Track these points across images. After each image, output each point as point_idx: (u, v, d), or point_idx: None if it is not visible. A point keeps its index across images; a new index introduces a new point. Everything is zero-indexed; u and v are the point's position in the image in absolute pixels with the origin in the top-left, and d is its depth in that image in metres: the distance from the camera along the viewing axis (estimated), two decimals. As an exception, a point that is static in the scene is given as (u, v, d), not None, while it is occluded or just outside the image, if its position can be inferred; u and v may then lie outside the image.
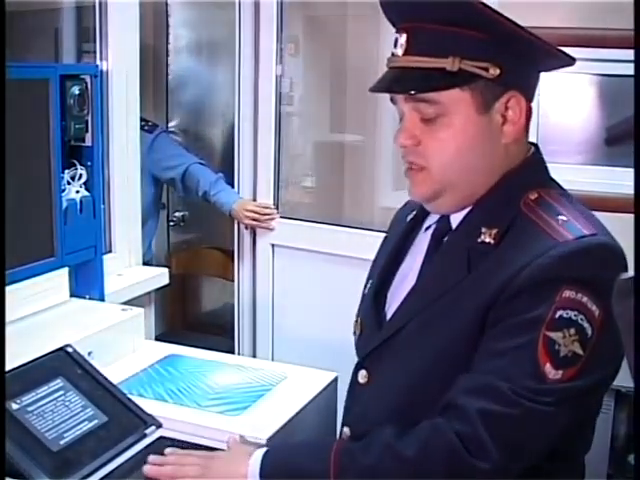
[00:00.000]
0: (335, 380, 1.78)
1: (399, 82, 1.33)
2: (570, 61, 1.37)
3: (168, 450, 1.45)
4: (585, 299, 1.21)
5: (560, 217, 1.29)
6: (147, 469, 1.40)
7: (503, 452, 1.19)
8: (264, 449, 1.36)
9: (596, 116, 2.51)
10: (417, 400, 1.31)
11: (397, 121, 1.40)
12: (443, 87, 1.29)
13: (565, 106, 2.44)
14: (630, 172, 2.18)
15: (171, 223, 4.01)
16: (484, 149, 1.34)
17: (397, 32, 1.34)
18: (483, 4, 1.26)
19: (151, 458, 1.42)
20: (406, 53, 1.32)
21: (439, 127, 1.31)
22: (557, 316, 1.20)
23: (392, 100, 1.38)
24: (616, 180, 2.34)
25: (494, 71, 1.29)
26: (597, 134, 2.51)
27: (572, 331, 1.20)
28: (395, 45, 1.34)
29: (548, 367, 1.19)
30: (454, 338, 1.28)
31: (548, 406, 1.19)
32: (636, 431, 1.16)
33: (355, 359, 1.49)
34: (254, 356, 3.19)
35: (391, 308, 1.44)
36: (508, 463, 1.21)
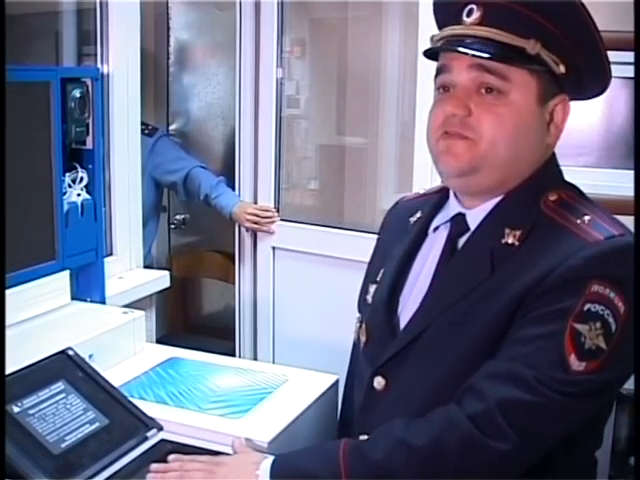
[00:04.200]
0: (336, 383, 1.78)
1: (473, 47, 1.30)
2: (599, 93, 1.40)
3: (171, 457, 1.43)
4: (612, 295, 1.22)
5: (585, 217, 1.30)
6: (151, 478, 1.39)
7: (520, 437, 1.19)
8: (271, 458, 1.34)
9: (598, 118, 2.51)
10: (441, 403, 1.29)
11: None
12: (519, 63, 1.29)
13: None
14: (629, 174, 2.19)
15: (172, 226, 4.01)
16: (533, 139, 1.34)
17: (465, 4, 1.33)
18: (584, 7, 1.27)
19: (154, 466, 1.40)
20: (480, 24, 1.31)
21: (498, 103, 1.30)
22: (585, 309, 1.21)
23: (440, 70, 1.36)
24: (616, 182, 2.34)
25: (561, 68, 1.31)
26: (598, 136, 2.51)
27: (598, 325, 1.21)
28: (468, 15, 1.32)
29: (573, 358, 1.20)
30: (480, 338, 1.28)
31: (569, 397, 1.20)
32: (637, 433, 1.16)
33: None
34: (255, 359, 3.19)
35: (404, 313, 1.42)
36: (525, 449, 1.21)
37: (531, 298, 1.25)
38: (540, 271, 1.25)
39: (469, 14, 1.32)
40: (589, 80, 1.35)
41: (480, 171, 1.32)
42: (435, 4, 1.43)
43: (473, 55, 1.30)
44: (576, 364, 1.20)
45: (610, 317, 1.22)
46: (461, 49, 1.31)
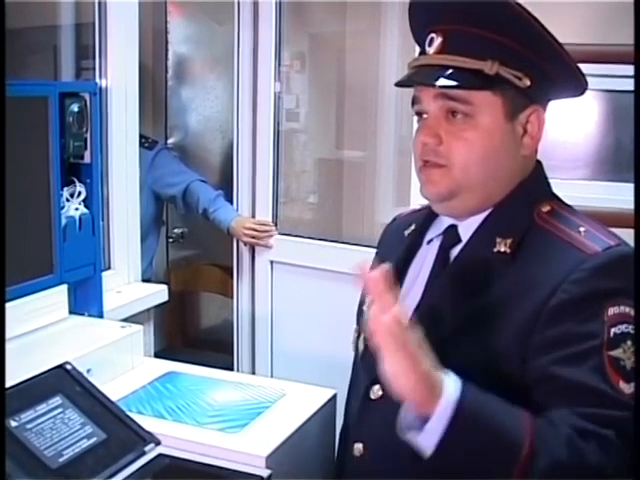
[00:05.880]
0: (334, 397, 1.77)
1: (434, 77, 1.33)
2: (580, 93, 1.40)
3: None
4: (628, 309, 1.22)
5: (581, 229, 1.31)
6: None
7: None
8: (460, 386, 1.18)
9: (593, 131, 2.52)
10: None
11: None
12: (478, 87, 1.31)
13: (564, 121, 2.44)
14: (625, 187, 2.19)
15: (170, 239, 4.01)
16: (506, 156, 1.35)
17: (428, 33, 1.36)
18: (534, 18, 1.29)
19: None
20: (440, 52, 1.34)
21: (466, 127, 1.32)
22: (612, 335, 1.21)
23: (414, 100, 1.39)
24: (613, 195, 2.35)
25: (525, 82, 1.32)
26: (594, 149, 2.52)
27: (629, 343, 1.21)
28: (429, 45, 1.36)
29: (622, 384, 1.19)
30: (478, 352, 1.26)
31: (631, 410, 1.18)
32: (636, 438, 1.16)
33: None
34: (253, 373, 3.19)
35: None
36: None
37: (544, 321, 1.23)
38: (545, 287, 1.24)
39: (430, 43, 1.36)
40: (563, 86, 1.37)
41: (459, 195, 1.35)
42: (412, 34, 1.47)
43: (432, 85, 1.33)
44: (626, 387, 1.19)
45: (633, 330, 1.22)
46: (420, 81, 1.36)
